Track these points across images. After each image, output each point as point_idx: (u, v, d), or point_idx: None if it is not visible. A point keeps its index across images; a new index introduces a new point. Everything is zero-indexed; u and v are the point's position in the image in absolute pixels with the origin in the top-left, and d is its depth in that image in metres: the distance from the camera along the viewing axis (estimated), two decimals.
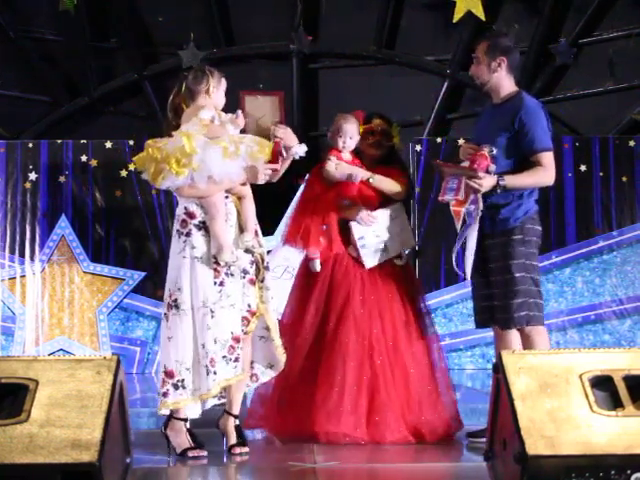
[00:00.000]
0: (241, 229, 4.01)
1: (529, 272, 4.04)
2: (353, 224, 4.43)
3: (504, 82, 4.18)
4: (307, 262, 4.51)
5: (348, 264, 4.43)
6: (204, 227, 3.95)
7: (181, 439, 3.96)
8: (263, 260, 4.07)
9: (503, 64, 4.14)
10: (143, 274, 7.36)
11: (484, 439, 4.01)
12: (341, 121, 4.50)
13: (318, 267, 4.42)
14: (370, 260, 4.42)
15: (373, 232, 4.44)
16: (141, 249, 7.43)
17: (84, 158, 7.39)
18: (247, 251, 4.00)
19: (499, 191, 4.01)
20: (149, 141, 3.95)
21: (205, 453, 3.96)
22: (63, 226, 7.34)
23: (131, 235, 7.39)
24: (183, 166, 3.83)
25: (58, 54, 8.15)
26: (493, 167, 4.00)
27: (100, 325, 7.32)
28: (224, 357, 3.90)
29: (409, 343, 4.36)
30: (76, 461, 2.56)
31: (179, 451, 3.95)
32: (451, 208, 4.06)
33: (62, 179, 7.38)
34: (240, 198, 4.04)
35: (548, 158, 4.07)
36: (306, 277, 4.51)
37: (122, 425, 2.87)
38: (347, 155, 4.50)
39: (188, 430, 4.00)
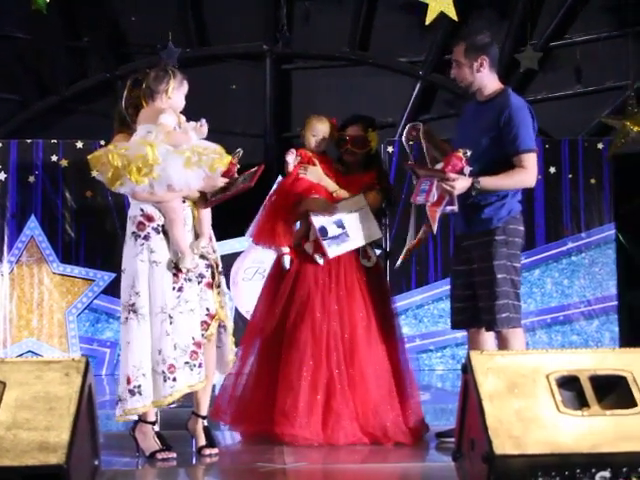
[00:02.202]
0: (196, 234, 3.97)
1: (510, 274, 4.01)
2: (313, 215, 4.43)
3: (488, 80, 4.13)
4: (279, 261, 4.51)
5: (312, 263, 4.43)
6: (162, 231, 3.89)
7: (149, 442, 3.94)
8: (218, 265, 4.04)
9: (485, 62, 4.09)
10: (113, 275, 7.32)
11: (453, 438, 4.07)
12: (314, 121, 4.54)
13: (288, 264, 4.43)
14: (332, 250, 4.40)
15: (334, 223, 4.43)
16: (111, 250, 7.37)
17: (54, 158, 7.35)
18: (202, 257, 3.96)
19: (474, 193, 3.96)
20: (110, 146, 3.87)
21: (174, 455, 3.94)
22: (32, 227, 7.30)
23: (101, 236, 7.35)
24: (144, 175, 3.76)
25: (29, 53, 8.09)
26: (468, 169, 3.94)
27: (69, 327, 7.27)
28: (187, 363, 3.85)
29: (368, 345, 4.35)
30: (43, 464, 2.54)
31: (147, 454, 3.94)
32: (427, 210, 4.04)
33: (32, 179, 7.33)
34: (196, 203, 3.98)
35: (530, 160, 3.99)
36: (276, 277, 4.52)
37: (90, 427, 2.86)
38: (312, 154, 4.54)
39: (156, 433, 3.98)
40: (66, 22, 8.02)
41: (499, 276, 3.99)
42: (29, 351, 7.18)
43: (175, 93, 3.94)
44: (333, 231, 4.42)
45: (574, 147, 7.51)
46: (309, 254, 4.43)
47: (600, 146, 7.50)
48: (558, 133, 7.82)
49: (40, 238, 7.30)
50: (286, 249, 4.43)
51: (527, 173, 4.00)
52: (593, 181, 7.49)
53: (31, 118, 8.10)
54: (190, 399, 4.07)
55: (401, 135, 4.37)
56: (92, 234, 7.37)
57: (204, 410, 4.06)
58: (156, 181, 3.79)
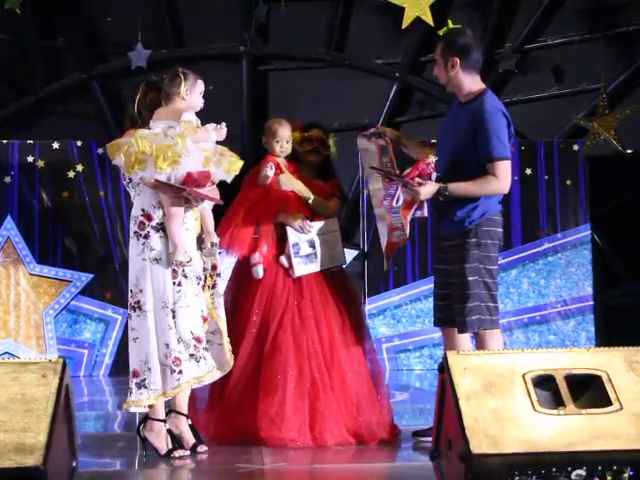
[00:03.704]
0: (201, 236, 4.11)
1: (482, 276, 4.02)
2: (289, 230, 4.45)
3: (463, 81, 4.12)
4: (241, 266, 4.50)
5: (284, 272, 4.45)
6: (162, 229, 4.00)
7: (162, 441, 3.98)
8: (215, 267, 4.15)
9: (457, 64, 4.08)
10: (91, 276, 7.30)
11: (429, 438, 4.09)
12: (276, 125, 4.52)
13: (261, 273, 4.42)
14: (300, 269, 4.43)
15: (307, 242, 4.47)
16: (88, 251, 7.36)
17: (30, 159, 7.30)
18: (207, 255, 4.09)
19: (441, 199, 3.99)
20: (143, 130, 3.98)
21: (188, 453, 3.99)
22: (9, 227, 7.25)
23: (78, 236, 7.32)
24: (169, 164, 3.88)
25: (4, 53, 8.04)
26: (434, 174, 4.00)
27: (47, 328, 7.23)
28: (192, 356, 3.96)
29: (345, 348, 4.40)
30: (20, 465, 2.53)
31: (163, 452, 3.96)
32: (400, 213, 4.09)
33: (8, 180, 7.28)
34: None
35: (503, 168, 3.99)
36: (242, 281, 4.49)
37: (68, 428, 2.85)
38: (282, 160, 4.54)
39: (168, 430, 4.01)
40: (41, 22, 7.97)
41: (470, 279, 4.01)
42: (6, 352, 7.13)
43: (189, 94, 4.09)
44: (305, 249, 4.46)
45: (550, 149, 7.57)
46: (284, 266, 4.44)
47: (575, 148, 7.56)
48: (534, 135, 7.88)
49: (16, 239, 7.25)
50: (260, 258, 4.43)
51: (499, 181, 4.01)
52: (569, 182, 7.55)
53: (7, 118, 8.04)
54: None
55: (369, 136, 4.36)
56: (69, 235, 7.34)
57: (186, 408, 4.08)
58: (174, 172, 3.91)
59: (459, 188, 4.00)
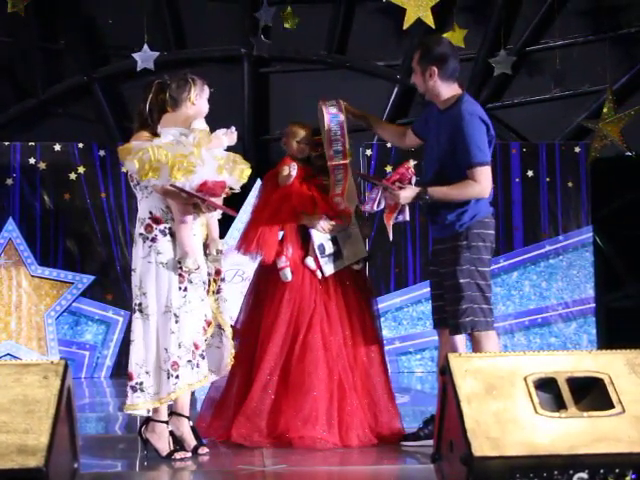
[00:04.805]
0: (205, 242, 4.11)
1: (474, 278, 4.03)
2: (313, 231, 4.48)
3: (441, 90, 4.12)
4: (263, 269, 4.50)
5: (310, 273, 4.46)
6: (170, 233, 3.99)
7: (164, 442, 3.98)
8: (218, 272, 4.16)
9: (434, 74, 4.08)
10: (92, 278, 7.30)
11: (413, 442, 4.17)
12: (297, 127, 4.58)
13: (290, 276, 4.43)
14: (328, 268, 4.47)
15: (330, 240, 4.48)
16: (90, 252, 7.36)
17: (32, 160, 7.32)
18: (212, 262, 4.09)
19: (421, 202, 4.05)
20: (156, 140, 3.96)
21: (189, 454, 3.98)
22: (10, 229, 7.26)
23: (80, 238, 7.33)
24: (185, 173, 3.88)
25: (6, 55, 8.05)
26: (414, 179, 4.09)
27: (48, 329, 7.24)
28: (189, 362, 3.94)
29: (366, 347, 4.45)
30: (22, 467, 2.53)
31: (164, 454, 3.96)
32: (384, 217, 4.17)
33: (10, 182, 7.29)
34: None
35: (481, 173, 4.00)
36: (266, 284, 4.49)
37: (70, 430, 2.84)
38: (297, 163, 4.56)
39: (170, 432, 4.01)
40: (43, 24, 7.99)
41: (462, 281, 4.02)
42: (7, 354, 7.14)
43: (198, 99, 4.09)
44: (329, 249, 4.49)
45: (551, 151, 7.58)
46: (310, 268, 4.45)
47: (577, 150, 7.57)
48: (535, 137, 7.88)
49: (18, 240, 7.26)
50: (286, 262, 4.43)
51: (479, 185, 4.02)
52: (570, 184, 7.56)
53: (8, 121, 8.05)
54: None
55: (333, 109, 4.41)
56: (70, 236, 7.35)
57: (188, 410, 4.08)
58: (189, 181, 3.90)
59: (439, 192, 4.04)
